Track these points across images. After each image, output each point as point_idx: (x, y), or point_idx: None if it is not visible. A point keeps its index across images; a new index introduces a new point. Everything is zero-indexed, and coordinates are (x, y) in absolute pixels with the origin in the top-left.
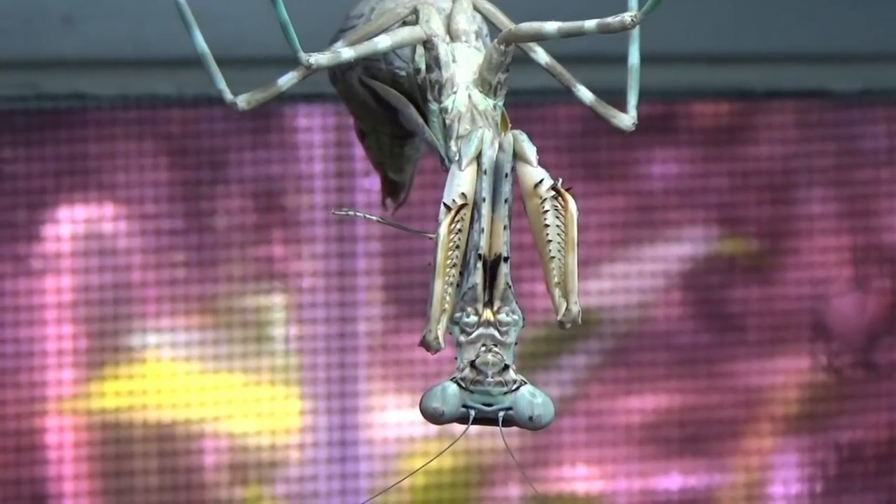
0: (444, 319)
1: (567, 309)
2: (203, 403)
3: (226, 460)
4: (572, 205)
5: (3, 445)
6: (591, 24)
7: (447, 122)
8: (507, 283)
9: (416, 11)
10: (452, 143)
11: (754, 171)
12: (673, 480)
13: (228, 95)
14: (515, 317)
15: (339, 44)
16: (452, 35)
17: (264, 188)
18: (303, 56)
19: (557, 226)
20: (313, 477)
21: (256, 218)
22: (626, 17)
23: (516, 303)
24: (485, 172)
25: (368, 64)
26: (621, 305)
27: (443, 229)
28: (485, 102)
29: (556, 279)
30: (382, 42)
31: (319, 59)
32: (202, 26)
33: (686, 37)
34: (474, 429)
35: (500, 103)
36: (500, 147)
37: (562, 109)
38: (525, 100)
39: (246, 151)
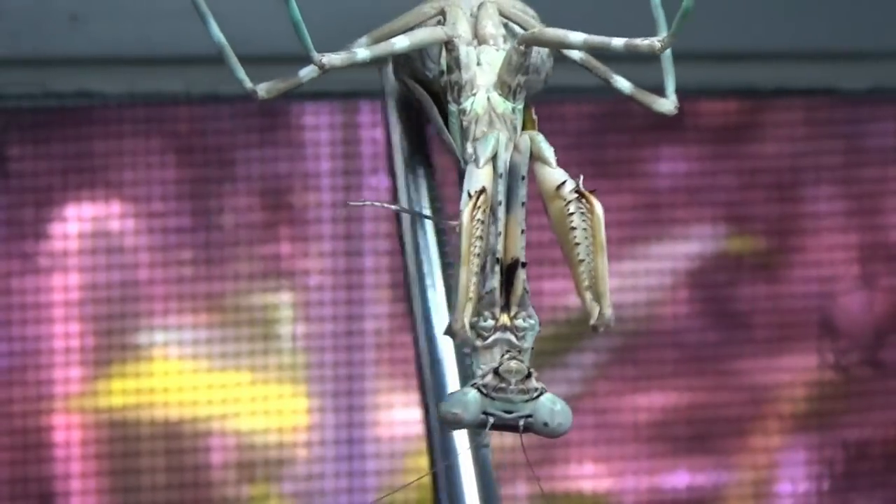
0: (470, 308)
1: (600, 313)
2: (210, 401)
3: (233, 458)
4: (598, 207)
5: (11, 443)
6: (618, 42)
7: (464, 123)
8: (525, 289)
9: (443, 13)
10: (469, 145)
11: (762, 169)
12: (680, 478)
13: (248, 84)
14: (532, 321)
15: (362, 40)
16: (480, 39)
17: (272, 186)
18: (316, 56)
19: (584, 228)
20: (320, 475)
21: (263, 216)
22: (656, 41)
23: (532, 308)
24: (500, 176)
25: (410, 64)
26: (629, 303)
27: (465, 216)
28: (504, 105)
29: (586, 283)
30: (400, 42)
31: (333, 59)
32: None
33: (694, 35)
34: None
35: (520, 107)
36: (516, 148)
37: (569, 107)
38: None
39: (253, 149)
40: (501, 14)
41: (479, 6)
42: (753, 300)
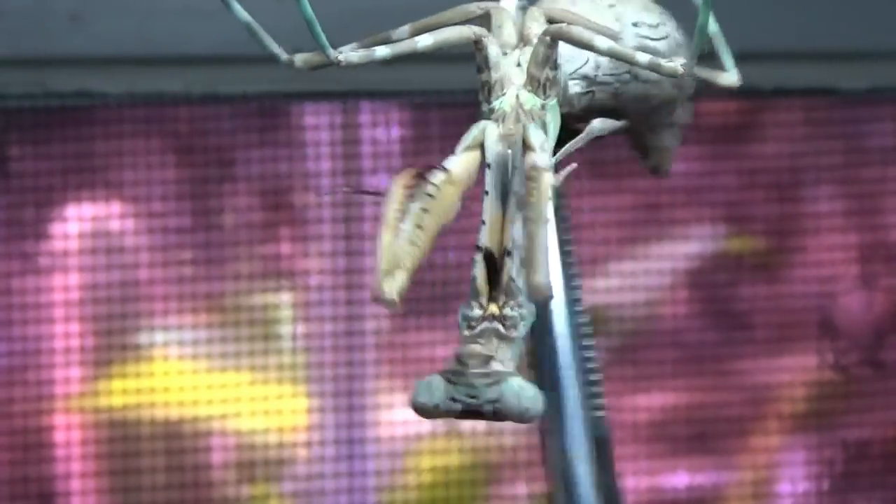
0: (400, 276)
1: (534, 282)
2: (210, 401)
3: (233, 458)
4: (547, 178)
5: (12, 443)
6: (643, 57)
7: (494, 122)
8: (511, 278)
9: (488, 15)
10: None
11: (762, 169)
12: (680, 478)
13: (284, 55)
14: (522, 311)
15: (404, 28)
16: (525, 40)
17: (272, 186)
18: (331, 53)
19: (532, 202)
20: (320, 475)
21: (264, 216)
22: (678, 66)
23: (525, 297)
24: (488, 166)
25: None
26: (629, 303)
27: (394, 185)
28: (532, 101)
29: (523, 254)
30: (423, 41)
31: (350, 56)
32: (210, 24)
33: (692, 35)
34: (482, 426)
35: (551, 103)
36: (509, 140)
37: None
38: None
39: (253, 149)
40: (549, 18)
41: (526, 10)
42: (753, 300)
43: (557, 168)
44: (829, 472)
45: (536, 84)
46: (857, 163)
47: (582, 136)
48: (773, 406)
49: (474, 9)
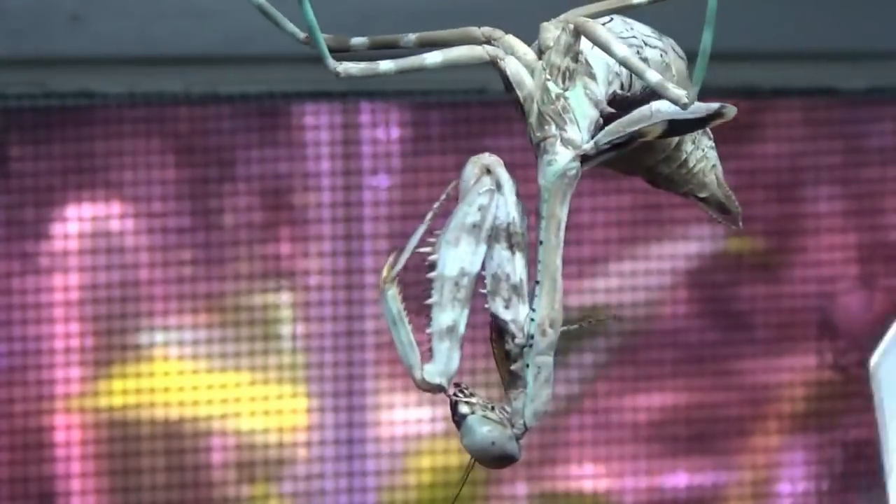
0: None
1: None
2: (210, 401)
3: (233, 458)
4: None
5: (11, 443)
6: (654, 76)
7: (530, 136)
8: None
9: (489, 41)
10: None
11: (761, 169)
12: (680, 478)
13: (301, 34)
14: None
15: (411, 36)
16: (543, 46)
17: (272, 186)
18: (331, 63)
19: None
20: (320, 475)
21: (264, 216)
22: (683, 96)
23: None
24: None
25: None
26: (628, 303)
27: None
28: (548, 98)
29: None
30: (432, 59)
31: (350, 68)
32: (210, 24)
33: (692, 35)
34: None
35: (575, 92)
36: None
37: None
38: None
39: (253, 149)
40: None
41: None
42: (753, 300)
43: (600, 153)
44: (829, 472)
45: (556, 72)
46: (857, 163)
47: (635, 115)
48: (773, 406)
49: (478, 35)
